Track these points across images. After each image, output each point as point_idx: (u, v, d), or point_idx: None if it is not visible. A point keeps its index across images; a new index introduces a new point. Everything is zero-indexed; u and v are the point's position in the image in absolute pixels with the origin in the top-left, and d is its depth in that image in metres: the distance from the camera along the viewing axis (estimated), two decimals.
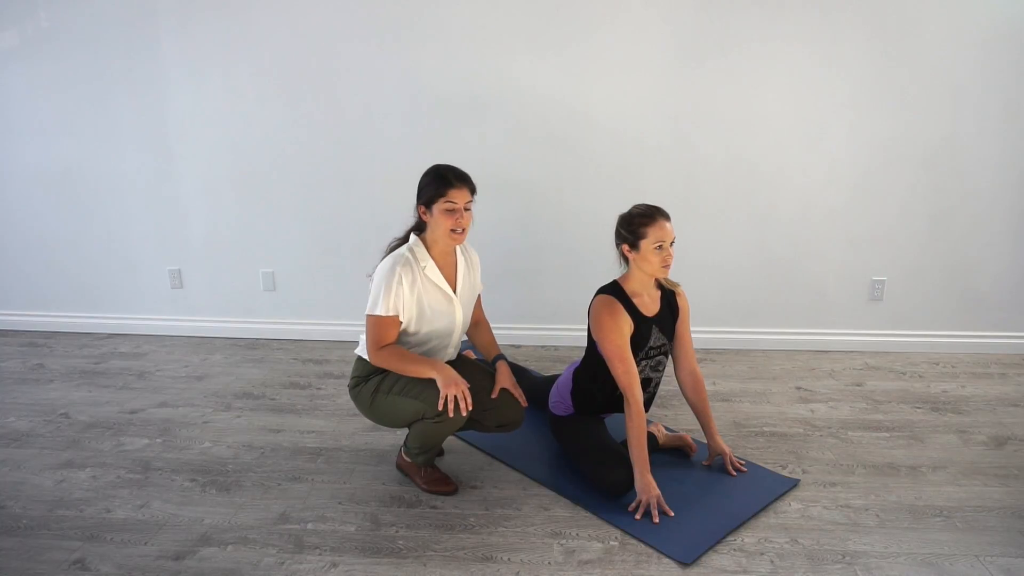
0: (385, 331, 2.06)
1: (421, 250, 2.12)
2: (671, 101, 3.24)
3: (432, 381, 2.02)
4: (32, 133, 3.55)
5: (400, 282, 2.04)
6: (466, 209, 2.07)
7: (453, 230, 2.06)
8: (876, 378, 3.15)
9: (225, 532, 2.02)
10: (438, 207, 2.05)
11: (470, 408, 1.99)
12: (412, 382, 2.06)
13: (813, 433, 2.61)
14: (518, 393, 2.22)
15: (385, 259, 2.11)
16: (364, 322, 2.12)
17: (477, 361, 2.40)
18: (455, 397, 1.97)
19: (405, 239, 2.18)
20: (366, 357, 2.16)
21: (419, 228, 2.17)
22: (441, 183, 2.05)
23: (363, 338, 2.17)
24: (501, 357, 2.31)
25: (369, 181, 3.44)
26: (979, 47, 3.07)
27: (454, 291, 2.17)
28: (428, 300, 2.11)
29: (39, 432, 2.65)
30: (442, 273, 2.14)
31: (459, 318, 2.19)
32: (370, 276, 2.13)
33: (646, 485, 2.07)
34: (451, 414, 1.98)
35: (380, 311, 2.04)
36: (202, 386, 3.09)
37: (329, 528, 2.04)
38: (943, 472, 2.33)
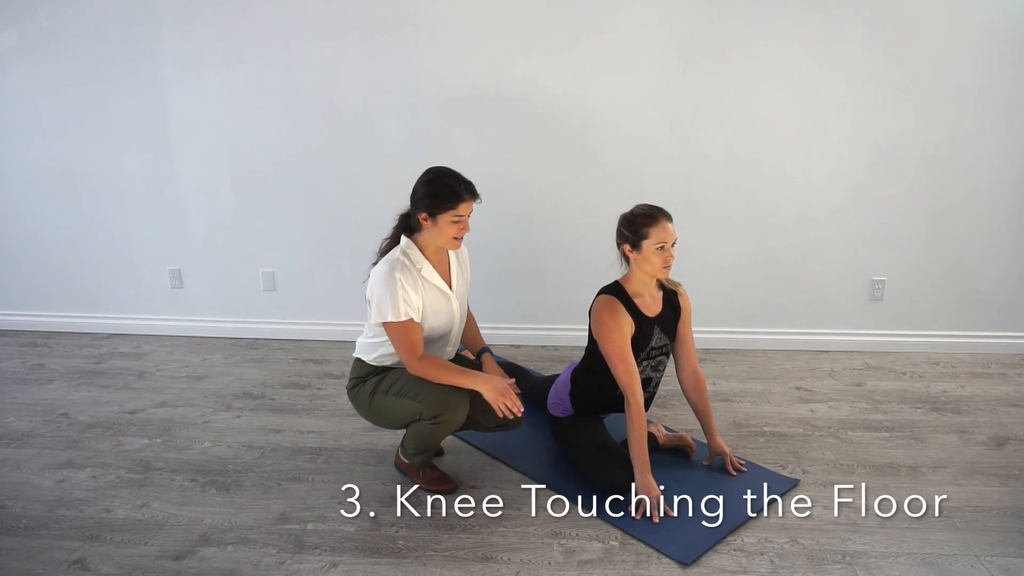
0: (412, 335, 2.03)
1: (415, 253, 2.10)
2: (671, 101, 3.24)
3: (432, 382, 2.02)
4: (32, 133, 3.55)
5: (403, 286, 2.01)
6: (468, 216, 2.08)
7: (456, 238, 2.07)
8: (876, 378, 3.14)
9: (225, 532, 2.02)
10: (445, 218, 2.03)
11: (522, 410, 2.01)
12: (410, 383, 2.06)
13: (813, 433, 2.61)
14: (514, 388, 2.23)
15: (379, 265, 2.07)
16: (364, 322, 2.12)
17: (461, 354, 2.41)
18: (502, 404, 2.00)
19: (395, 239, 2.15)
20: (364, 359, 2.15)
21: (409, 229, 2.13)
22: (452, 196, 2.01)
23: (361, 340, 2.17)
24: (487, 350, 2.35)
25: (369, 181, 3.44)
26: (979, 47, 3.07)
27: (450, 288, 2.17)
28: (428, 300, 2.10)
29: (39, 432, 2.65)
30: (437, 272, 2.13)
31: (457, 314, 2.20)
32: (365, 282, 2.10)
33: (647, 485, 2.06)
34: (509, 416, 2.00)
35: (398, 317, 2.00)
36: (202, 386, 3.09)
37: (329, 528, 2.04)
38: (943, 472, 2.33)
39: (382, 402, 2.11)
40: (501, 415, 2.01)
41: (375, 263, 2.11)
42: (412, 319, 2.03)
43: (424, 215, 2.05)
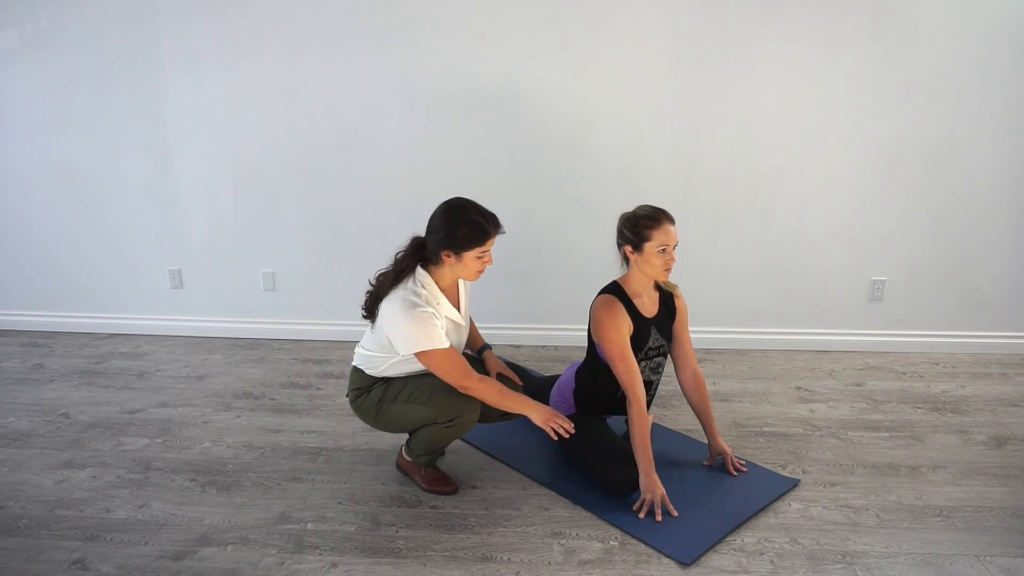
0: (458, 358, 2.02)
1: (432, 287, 2.04)
2: (671, 101, 3.24)
3: (443, 386, 2.03)
4: (32, 133, 3.55)
5: (431, 316, 1.97)
6: None
7: (480, 271, 2.05)
8: (876, 378, 3.14)
9: (225, 532, 2.02)
10: (471, 255, 1.99)
11: (572, 431, 2.06)
12: (419, 388, 2.06)
13: (813, 433, 2.61)
14: (511, 374, 2.33)
15: (397, 301, 1.98)
16: (365, 324, 2.11)
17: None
18: (554, 426, 2.05)
19: (410, 264, 2.05)
20: (364, 369, 2.14)
21: (425, 258, 2.06)
22: (480, 234, 1.96)
23: (360, 350, 2.16)
24: (487, 347, 2.40)
25: (369, 181, 3.44)
26: (979, 47, 3.07)
27: (460, 311, 2.17)
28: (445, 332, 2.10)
29: (39, 432, 2.65)
30: (449, 299, 2.10)
31: (465, 334, 2.22)
32: (372, 283, 2.07)
33: (651, 484, 2.07)
34: (555, 438, 2.07)
35: (442, 343, 1.97)
36: (202, 386, 3.09)
37: (329, 528, 2.04)
38: (943, 472, 2.33)
39: (391, 410, 2.10)
40: (555, 439, 2.08)
41: (384, 271, 2.06)
42: (452, 344, 2.03)
43: (448, 252, 1.99)
